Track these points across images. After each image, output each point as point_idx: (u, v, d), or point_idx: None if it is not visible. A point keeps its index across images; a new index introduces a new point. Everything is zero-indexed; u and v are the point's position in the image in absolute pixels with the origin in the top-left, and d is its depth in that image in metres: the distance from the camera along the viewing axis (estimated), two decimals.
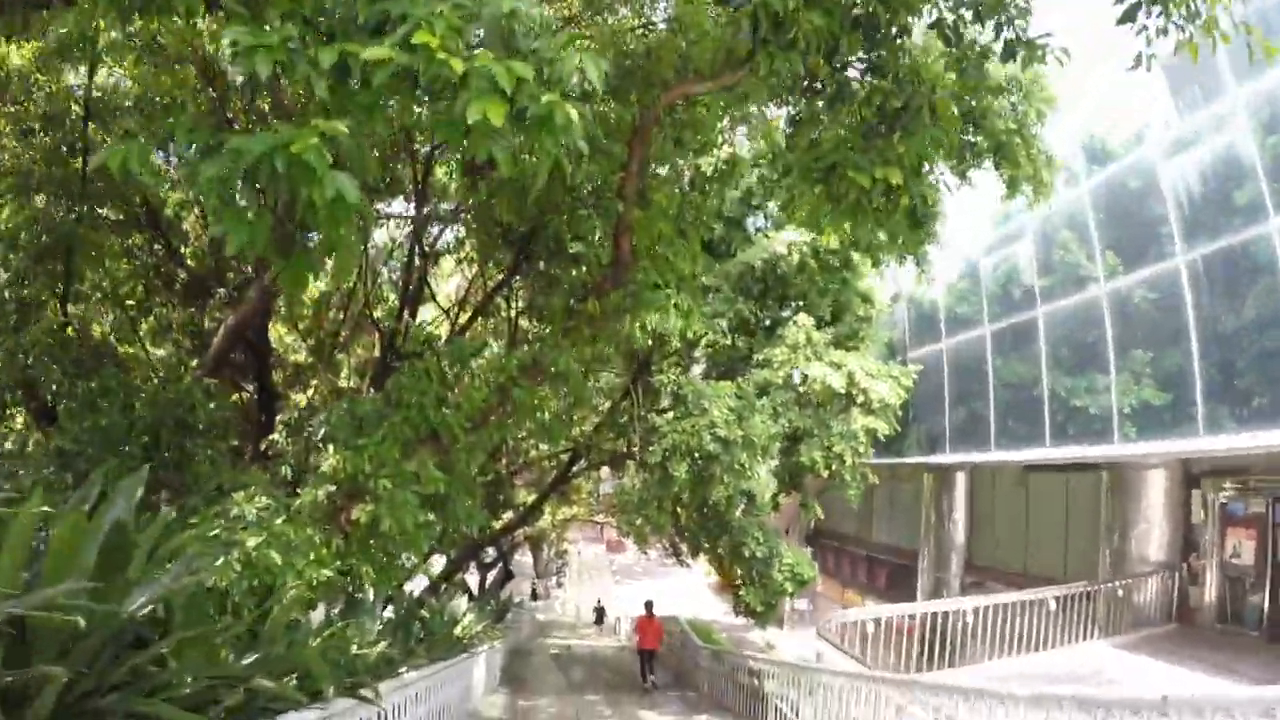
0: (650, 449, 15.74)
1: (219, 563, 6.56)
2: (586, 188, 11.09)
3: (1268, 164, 14.97)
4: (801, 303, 20.26)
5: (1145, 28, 7.63)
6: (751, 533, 18.11)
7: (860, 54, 8.72)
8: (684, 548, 33.82)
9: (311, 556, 7.37)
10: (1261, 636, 15.38)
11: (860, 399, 19.10)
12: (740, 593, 18.38)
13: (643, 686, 20.54)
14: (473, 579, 34.82)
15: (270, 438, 12.67)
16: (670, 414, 16.58)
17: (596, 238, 11.18)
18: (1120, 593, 16.67)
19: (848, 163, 8.30)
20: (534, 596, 49.12)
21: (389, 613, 11.04)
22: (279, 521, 7.47)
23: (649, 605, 22.33)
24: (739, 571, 18.50)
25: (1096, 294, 19.39)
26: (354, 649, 7.40)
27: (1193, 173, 16.98)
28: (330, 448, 8.47)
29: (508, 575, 34.59)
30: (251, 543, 6.98)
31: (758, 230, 21.59)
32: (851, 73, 9.00)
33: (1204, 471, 17.50)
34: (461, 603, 17.41)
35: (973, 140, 11.74)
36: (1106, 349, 19.04)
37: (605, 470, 45.05)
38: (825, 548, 37.75)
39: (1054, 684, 11.33)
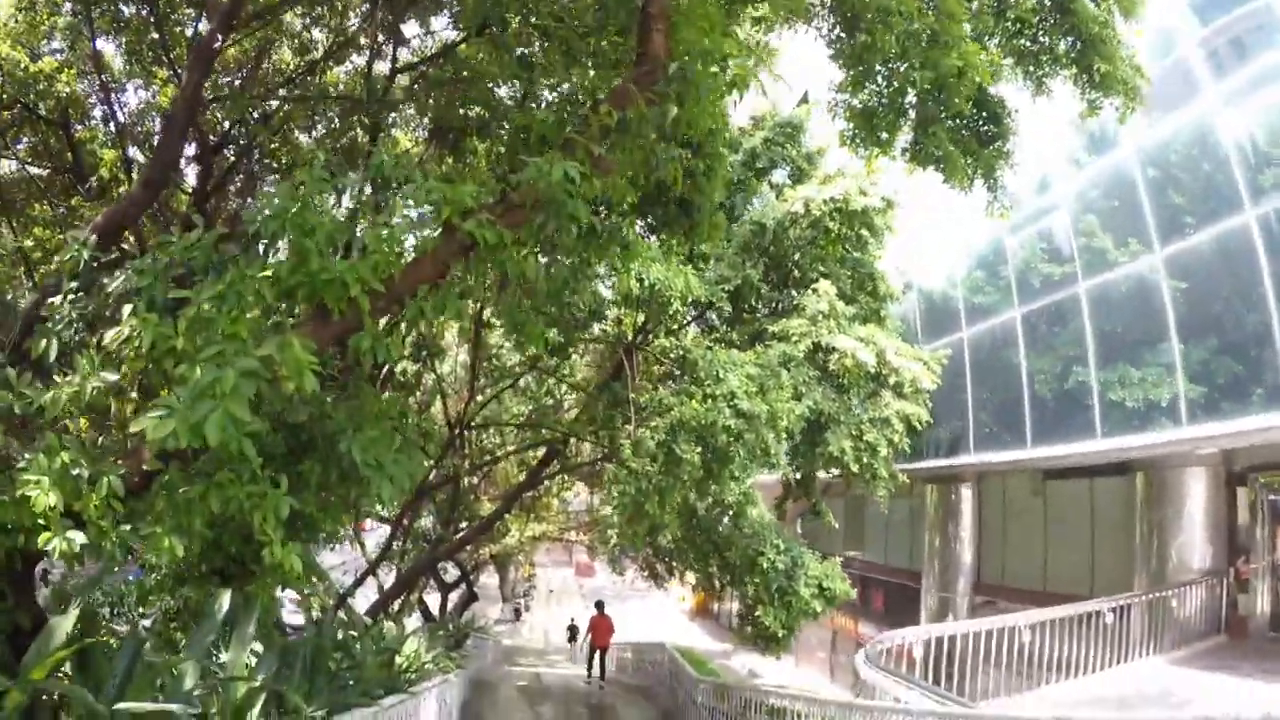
0: (651, 427, 11.77)
1: None
2: None
3: None
4: (821, 270, 16.50)
5: None
6: (770, 538, 14.31)
7: None
8: (661, 568, 30.59)
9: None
10: None
11: (892, 379, 15.34)
12: (756, 614, 14.38)
13: (591, 682, 21.57)
14: (433, 600, 30.51)
15: None
16: (673, 386, 12.76)
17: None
18: (1171, 603, 14.65)
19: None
20: (517, 616, 44.77)
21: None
22: None
23: (600, 605, 23.13)
24: (751, 589, 14.54)
25: (1146, 267, 16.71)
26: None
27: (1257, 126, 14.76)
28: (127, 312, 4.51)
29: (471, 597, 30.27)
30: None
31: (771, 187, 17.90)
32: None
33: (1251, 466, 15.67)
34: (409, 624, 13.32)
35: (1047, 42, 10.36)
36: (1164, 327, 16.25)
37: (576, 487, 41.61)
38: None
39: (1130, 711, 11.28)
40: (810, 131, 18.97)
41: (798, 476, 16.68)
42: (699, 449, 11.50)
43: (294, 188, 4.98)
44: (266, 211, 4.76)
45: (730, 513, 18.20)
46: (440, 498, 21.35)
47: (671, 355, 12.63)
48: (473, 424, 20.48)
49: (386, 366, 15.18)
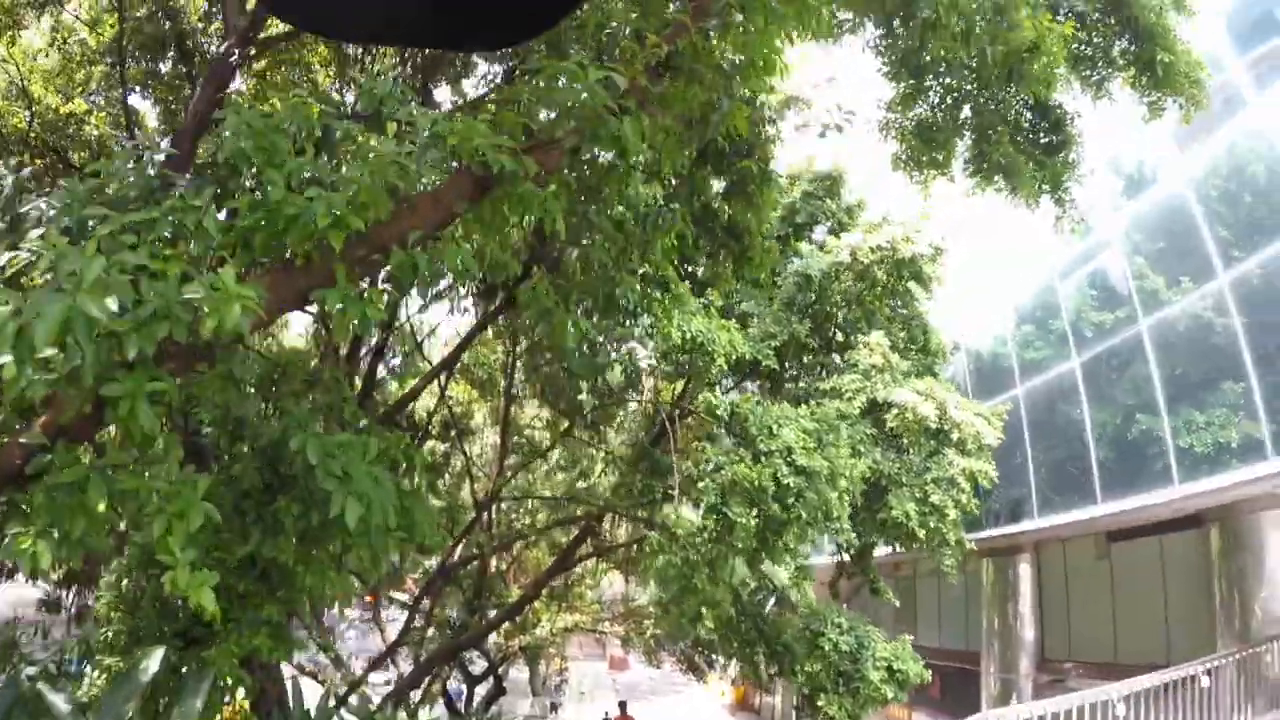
0: (699, 488, 10.28)
1: None
2: None
3: None
4: (869, 326, 15.18)
5: None
6: (830, 617, 12.64)
7: None
8: (700, 660, 28.56)
9: None
10: None
11: (955, 435, 13.79)
12: (820, 704, 12.51)
13: None
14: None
15: None
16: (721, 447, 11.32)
17: None
18: (1266, 658, 13.07)
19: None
20: (554, 710, 42.18)
21: None
22: None
23: (623, 705, 26.15)
24: (810, 676, 12.74)
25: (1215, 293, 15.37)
26: None
27: None
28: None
29: (499, 690, 28.13)
30: None
31: (812, 244, 16.70)
32: None
33: None
34: (426, 716, 11.65)
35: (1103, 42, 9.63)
36: (1228, 363, 15.04)
37: (610, 576, 39.49)
38: None
39: None
40: (849, 185, 18.00)
41: (851, 552, 15.02)
42: (754, 513, 10.01)
43: (267, 114, 3.79)
44: (228, 132, 3.55)
45: (778, 595, 16.75)
46: (466, 581, 19.78)
47: (718, 412, 11.24)
48: (501, 498, 19.02)
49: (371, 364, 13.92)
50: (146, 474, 3.10)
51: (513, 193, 3.72)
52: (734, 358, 12.18)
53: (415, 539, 4.39)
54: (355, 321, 3.70)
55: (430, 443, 20.35)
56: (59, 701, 4.22)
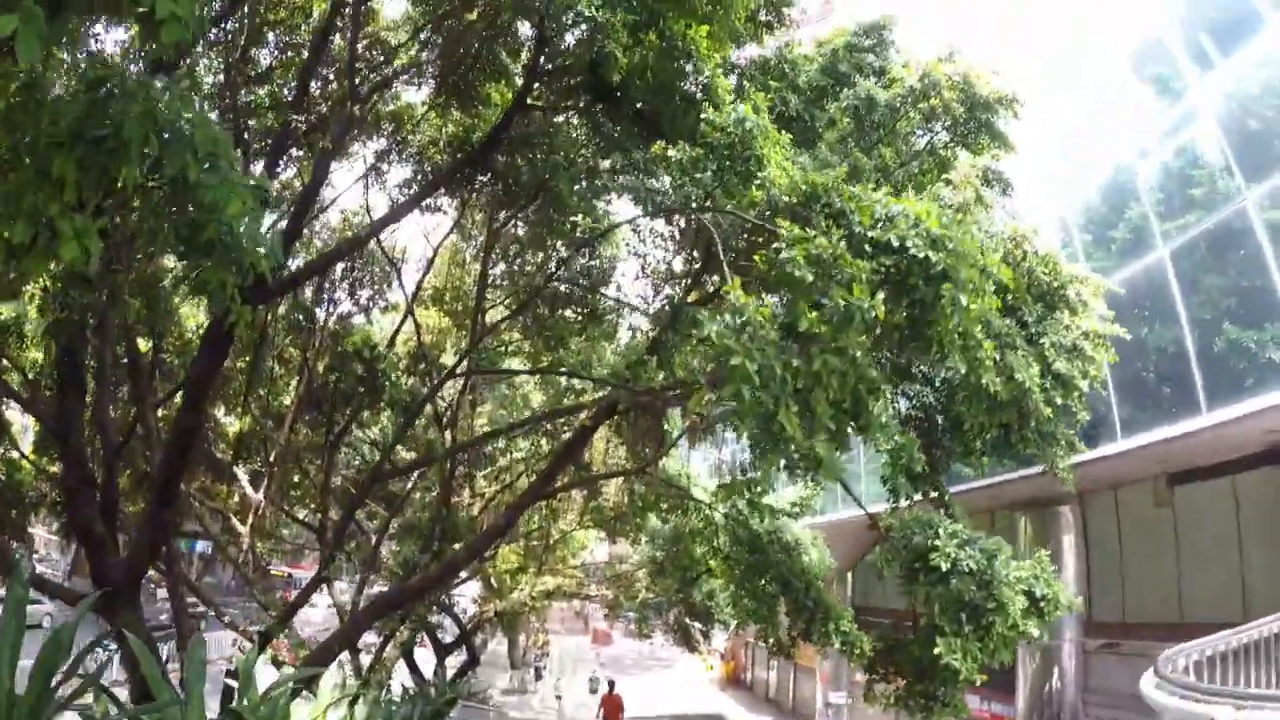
0: (782, 257, 5.69)
1: None
2: None
3: None
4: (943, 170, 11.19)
5: None
6: (941, 524, 8.60)
7: None
8: (693, 629, 24.82)
9: None
10: None
11: (1070, 291, 9.88)
12: (936, 652, 8.19)
13: None
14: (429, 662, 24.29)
15: None
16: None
17: None
18: None
19: None
20: (538, 677, 38.35)
21: None
22: None
23: (612, 684, 25.78)
24: (937, 608, 8.41)
25: None
26: None
27: None
28: None
29: (471, 661, 24.06)
30: None
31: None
32: None
33: None
34: (331, 679, 7.55)
35: None
36: None
37: (594, 544, 35.26)
38: (869, 625, 27.65)
39: None
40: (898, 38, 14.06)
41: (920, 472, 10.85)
42: (880, 299, 5.60)
43: None
44: None
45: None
46: (424, 516, 15.74)
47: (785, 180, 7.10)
48: (475, 371, 14.93)
49: None
50: None
51: None
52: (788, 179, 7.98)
53: None
54: None
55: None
56: None
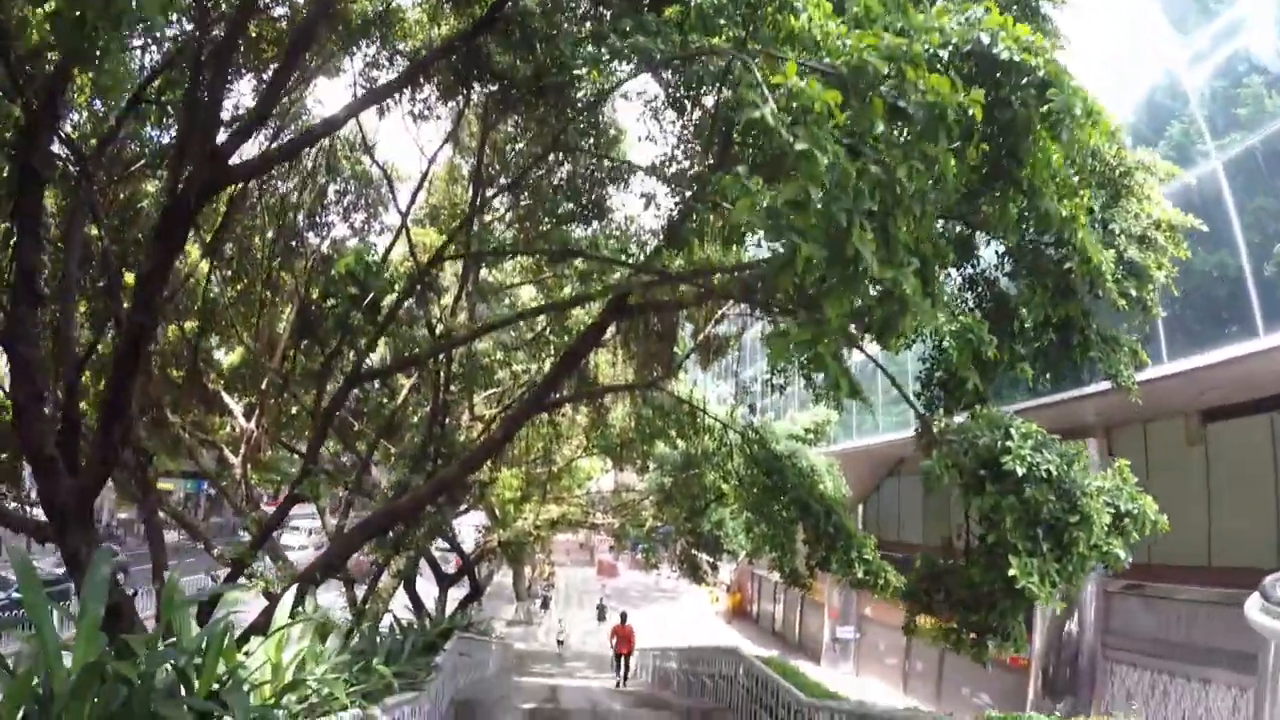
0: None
1: None
2: None
3: None
4: None
5: None
6: (1013, 425, 7.44)
7: None
8: (704, 560, 23.96)
9: None
10: None
11: (1135, 178, 8.51)
12: (1010, 574, 7.00)
13: (617, 682, 24.06)
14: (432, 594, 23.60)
15: None
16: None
17: None
18: None
19: None
20: (545, 606, 37.92)
21: None
22: None
23: (624, 615, 25.85)
24: (1009, 521, 7.20)
25: None
26: None
27: None
28: None
29: (475, 591, 23.36)
30: None
31: None
32: None
33: None
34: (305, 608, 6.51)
35: None
36: None
37: (600, 474, 34.41)
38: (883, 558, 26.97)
39: None
40: None
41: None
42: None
43: None
44: None
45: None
46: (415, 433, 14.66)
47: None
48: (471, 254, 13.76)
49: None
50: None
51: None
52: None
53: None
54: None
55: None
56: None
